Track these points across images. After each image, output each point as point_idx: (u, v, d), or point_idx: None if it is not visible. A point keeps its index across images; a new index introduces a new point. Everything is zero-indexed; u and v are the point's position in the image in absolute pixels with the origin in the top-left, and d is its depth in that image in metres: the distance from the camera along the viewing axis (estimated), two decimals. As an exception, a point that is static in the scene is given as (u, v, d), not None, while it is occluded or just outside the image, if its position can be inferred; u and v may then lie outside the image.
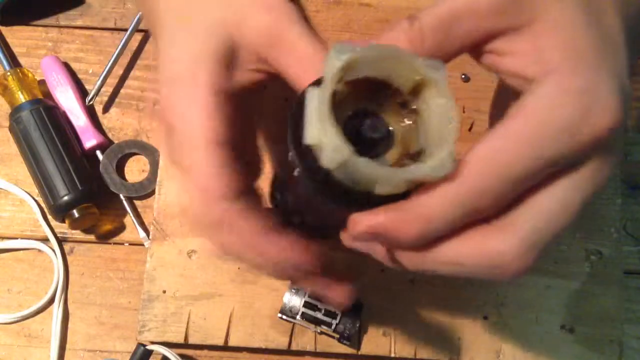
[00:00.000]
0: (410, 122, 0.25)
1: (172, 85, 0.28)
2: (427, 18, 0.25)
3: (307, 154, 0.23)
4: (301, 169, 0.24)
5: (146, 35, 0.53)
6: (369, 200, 0.23)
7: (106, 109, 0.51)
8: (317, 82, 0.25)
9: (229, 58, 0.28)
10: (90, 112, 0.51)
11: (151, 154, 0.49)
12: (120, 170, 0.50)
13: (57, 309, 0.46)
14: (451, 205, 0.23)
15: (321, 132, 0.22)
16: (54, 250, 0.47)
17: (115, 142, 0.50)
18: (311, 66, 0.27)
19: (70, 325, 0.46)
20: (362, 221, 0.24)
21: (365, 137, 0.24)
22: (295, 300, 0.43)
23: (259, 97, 0.32)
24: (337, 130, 0.22)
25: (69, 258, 0.48)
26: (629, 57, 0.25)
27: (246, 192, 0.28)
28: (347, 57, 0.22)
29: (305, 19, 0.28)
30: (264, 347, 0.44)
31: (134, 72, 0.52)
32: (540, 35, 0.24)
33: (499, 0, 0.24)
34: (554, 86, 0.23)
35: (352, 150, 0.21)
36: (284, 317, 0.43)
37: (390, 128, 0.25)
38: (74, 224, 0.46)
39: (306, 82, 0.26)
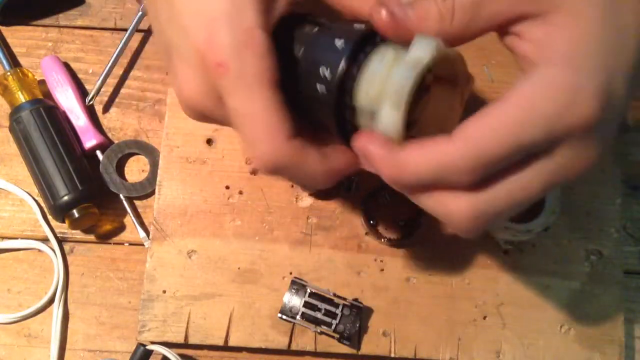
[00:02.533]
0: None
1: (214, 26, 0.27)
2: None
3: (346, 96, 0.27)
4: (331, 100, 0.27)
5: (146, 35, 0.53)
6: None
7: (106, 109, 0.51)
8: (369, 39, 0.27)
9: None
10: (90, 112, 0.51)
11: (151, 154, 0.49)
12: (120, 170, 0.50)
13: (57, 309, 0.46)
14: (428, 169, 0.26)
15: (391, 111, 0.25)
16: (54, 250, 0.47)
17: (115, 142, 0.50)
18: None
19: (70, 325, 0.46)
20: (366, 148, 0.27)
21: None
22: (295, 300, 0.43)
23: None
24: (405, 117, 0.25)
25: (69, 258, 0.48)
26: None
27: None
28: (439, 54, 0.25)
29: None
30: (264, 347, 0.44)
31: (134, 72, 0.52)
32: (555, 25, 0.25)
33: None
34: (544, 78, 0.25)
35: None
36: (284, 317, 0.43)
37: None
38: (74, 224, 0.46)
39: None
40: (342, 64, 0.27)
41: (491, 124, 0.25)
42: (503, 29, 0.27)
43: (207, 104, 0.29)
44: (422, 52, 0.25)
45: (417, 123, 0.29)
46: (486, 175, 0.25)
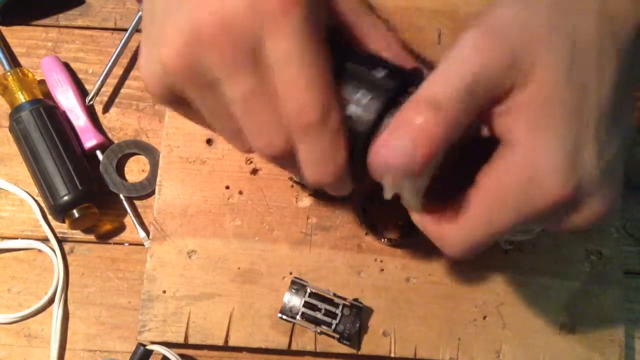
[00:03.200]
0: None
1: None
2: (447, 101, 0.25)
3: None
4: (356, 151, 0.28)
5: (146, 35, 0.53)
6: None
7: (106, 109, 0.51)
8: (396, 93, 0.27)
9: None
10: (90, 112, 0.51)
11: (151, 154, 0.49)
12: (120, 170, 0.50)
13: (57, 309, 0.46)
14: (432, 236, 0.31)
15: (411, 197, 0.28)
16: (54, 250, 0.47)
17: (115, 142, 0.50)
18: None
19: (70, 325, 0.46)
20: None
21: None
22: (295, 300, 0.43)
23: None
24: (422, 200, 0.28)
25: (69, 258, 0.48)
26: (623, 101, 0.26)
27: None
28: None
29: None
30: (264, 347, 0.44)
31: (134, 72, 0.52)
32: (520, 102, 0.25)
33: (503, 67, 0.25)
34: (508, 161, 0.26)
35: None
36: (284, 317, 0.43)
37: None
38: (74, 224, 0.46)
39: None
40: (370, 125, 0.27)
41: (468, 220, 0.27)
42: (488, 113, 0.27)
43: (192, 71, 0.26)
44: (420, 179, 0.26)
45: None
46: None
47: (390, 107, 0.27)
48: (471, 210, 0.27)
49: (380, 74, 0.27)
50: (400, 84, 0.27)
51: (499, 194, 0.26)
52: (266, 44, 0.25)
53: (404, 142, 0.25)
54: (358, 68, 0.28)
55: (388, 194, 0.28)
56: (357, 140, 0.27)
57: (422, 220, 0.29)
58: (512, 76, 0.25)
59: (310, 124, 0.25)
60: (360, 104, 0.27)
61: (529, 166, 0.25)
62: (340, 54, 0.28)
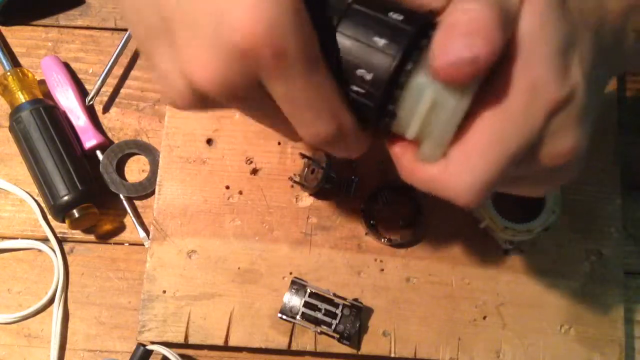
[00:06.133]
0: None
1: (260, 6, 0.23)
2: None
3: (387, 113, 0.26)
4: (373, 102, 0.26)
5: (146, 35, 0.53)
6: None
7: (106, 109, 0.51)
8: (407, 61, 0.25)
9: None
10: (90, 112, 0.51)
11: (151, 154, 0.49)
12: (120, 170, 0.50)
13: (57, 309, 0.46)
14: (430, 187, 0.27)
15: (434, 148, 0.26)
16: (54, 250, 0.47)
17: (115, 142, 0.50)
18: None
19: (70, 325, 0.46)
20: (397, 155, 0.28)
21: None
22: (295, 300, 0.43)
23: None
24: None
25: (69, 258, 0.48)
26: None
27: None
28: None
29: None
30: (264, 347, 0.44)
31: (134, 72, 0.52)
32: None
33: None
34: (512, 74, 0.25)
35: None
36: (284, 317, 0.43)
37: None
38: (74, 224, 0.46)
39: None
40: (391, 70, 0.25)
41: (475, 145, 0.25)
42: None
43: (232, 91, 0.25)
44: (465, 95, 0.25)
45: None
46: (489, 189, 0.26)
47: (413, 51, 0.25)
48: (474, 141, 0.25)
49: (397, 17, 0.26)
50: (419, 27, 0.25)
51: (504, 114, 0.24)
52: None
53: (467, 37, 0.23)
54: (372, 12, 0.26)
55: (412, 132, 0.26)
56: (379, 90, 0.26)
57: (433, 175, 0.27)
58: None
59: (328, 142, 0.27)
60: (380, 49, 0.25)
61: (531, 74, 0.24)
62: None
